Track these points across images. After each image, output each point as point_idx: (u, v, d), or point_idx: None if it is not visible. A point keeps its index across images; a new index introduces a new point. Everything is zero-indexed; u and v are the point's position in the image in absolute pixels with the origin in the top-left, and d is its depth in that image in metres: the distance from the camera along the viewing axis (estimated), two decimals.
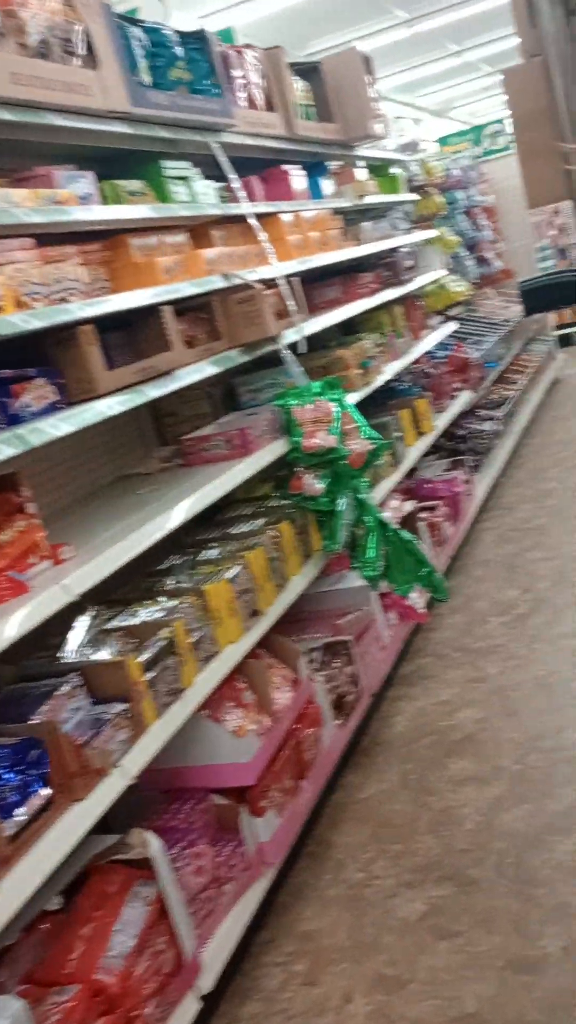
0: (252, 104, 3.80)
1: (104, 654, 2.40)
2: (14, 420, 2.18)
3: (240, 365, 3.26)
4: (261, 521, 3.27)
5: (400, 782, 3.19)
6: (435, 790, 3.08)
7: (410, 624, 4.12)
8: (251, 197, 3.71)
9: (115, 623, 2.59)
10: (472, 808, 2.93)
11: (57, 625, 2.36)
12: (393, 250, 5.39)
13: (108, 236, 2.82)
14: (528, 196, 7.66)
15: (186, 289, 2.92)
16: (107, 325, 2.63)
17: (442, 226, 7.13)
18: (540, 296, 6.95)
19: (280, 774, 2.79)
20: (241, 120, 3.57)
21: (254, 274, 3.33)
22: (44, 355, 2.44)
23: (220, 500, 2.94)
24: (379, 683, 3.70)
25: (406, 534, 3.74)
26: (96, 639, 2.49)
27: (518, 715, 3.38)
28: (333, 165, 4.86)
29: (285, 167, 4.12)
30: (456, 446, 6.01)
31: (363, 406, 3.93)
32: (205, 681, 2.55)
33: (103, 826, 2.11)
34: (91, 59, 2.67)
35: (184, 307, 3.09)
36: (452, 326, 6.37)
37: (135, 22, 2.98)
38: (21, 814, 1.84)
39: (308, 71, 4.60)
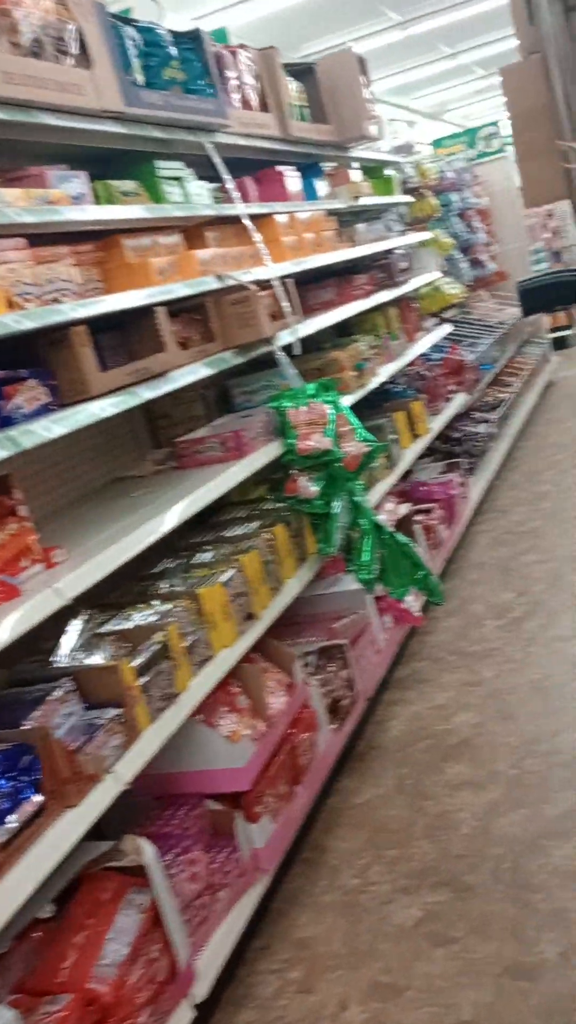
0: (246, 104, 3.78)
1: (97, 658, 2.38)
2: (6, 422, 2.16)
3: (234, 367, 3.25)
4: (256, 524, 3.26)
5: (396, 787, 3.17)
6: (431, 795, 3.06)
7: (405, 627, 4.11)
8: (245, 198, 3.69)
9: (108, 627, 2.57)
10: (468, 813, 2.91)
11: (49, 629, 2.34)
12: (388, 252, 5.39)
13: (101, 236, 2.80)
14: (526, 195, 7.64)
15: (180, 290, 2.90)
16: (100, 326, 2.61)
17: (436, 228, 7.12)
18: (538, 296, 6.94)
19: (275, 779, 2.77)
20: (235, 120, 3.56)
21: (248, 275, 3.31)
22: (36, 356, 2.42)
23: (214, 503, 2.92)
24: (374, 687, 3.69)
25: (401, 537, 3.73)
26: (89, 643, 2.47)
27: (514, 719, 3.37)
28: (328, 166, 4.85)
29: (279, 168, 4.11)
30: (451, 449, 6.01)
31: (358, 408, 3.92)
32: (199, 686, 2.53)
33: (96, 832, 2.10)
34: (84, 58, 2.65)
35: (178, 308, 3.07)
36: (447, 328, 6.36)
37: (128, 22, 2.97)
38: (13, 821, 1.83)
39: (302, 72, 4.59)
